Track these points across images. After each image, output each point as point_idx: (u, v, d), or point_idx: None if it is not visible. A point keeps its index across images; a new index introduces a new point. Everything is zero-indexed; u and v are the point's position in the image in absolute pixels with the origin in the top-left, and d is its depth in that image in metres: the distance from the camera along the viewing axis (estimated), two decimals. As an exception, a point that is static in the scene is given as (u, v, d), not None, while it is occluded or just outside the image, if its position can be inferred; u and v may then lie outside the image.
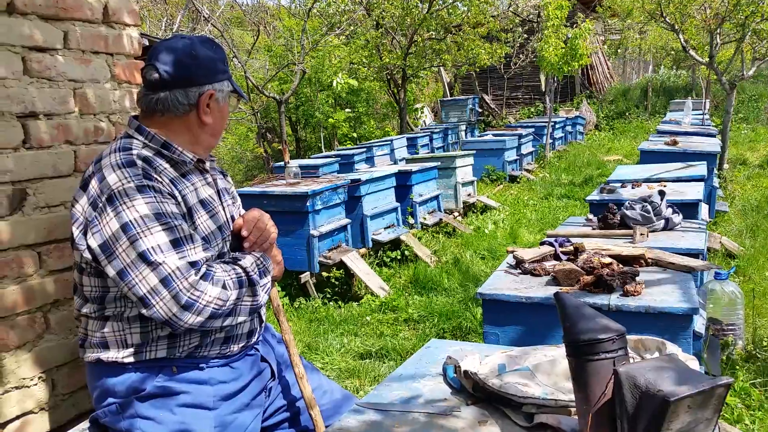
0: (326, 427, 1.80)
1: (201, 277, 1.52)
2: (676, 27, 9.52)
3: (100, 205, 1.53)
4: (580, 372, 1.29)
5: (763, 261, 5.26)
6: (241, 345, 1.73)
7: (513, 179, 10.61)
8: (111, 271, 1.52)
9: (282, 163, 6.76)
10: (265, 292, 1.69)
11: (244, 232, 1.75)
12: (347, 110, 13.08)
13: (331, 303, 5.16)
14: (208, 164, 1.78)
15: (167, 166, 1.65)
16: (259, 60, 13.85)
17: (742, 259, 5.36)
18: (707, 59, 9.42)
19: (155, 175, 1.58)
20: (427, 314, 4.66)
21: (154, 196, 1.54)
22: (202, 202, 1.69)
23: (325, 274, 5.33)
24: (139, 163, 1.57)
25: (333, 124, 12.65)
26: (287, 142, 11.98)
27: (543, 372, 1.58)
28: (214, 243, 1.68)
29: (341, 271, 5.40)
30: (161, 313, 1.49)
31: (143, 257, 1.48)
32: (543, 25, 12.00)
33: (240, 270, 1.63)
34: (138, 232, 1.49)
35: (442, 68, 17.34)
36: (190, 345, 1.63)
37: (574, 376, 1.31)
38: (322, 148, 13.23)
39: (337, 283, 5.38)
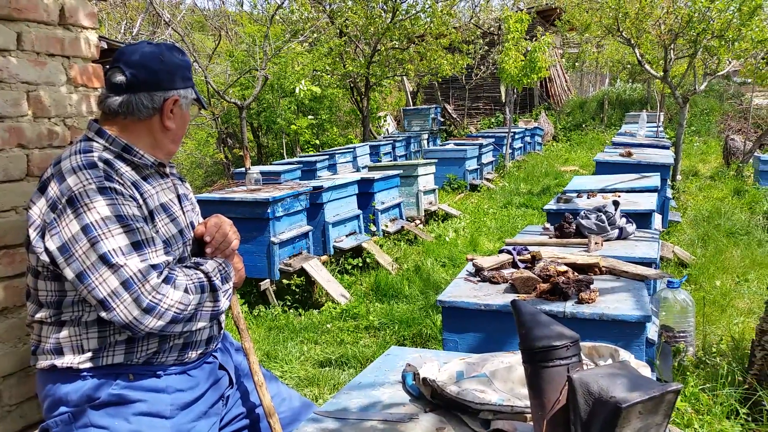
0: (284, 435, 1.79)
1: (163, 281, 1.50)
2: (632, 42, 9.80)
3: (60, 207, 1.50)
4: (535, 378, 1.32)
5: (714, 270, 5.43)
6: (199, 352, 1.71)
7: (474, 188, 10.74)
8: (70, 274, 1.48)
9: (243, 169, 6.70)
10: (227, 298, 1.68)
11: (207, 238, 1.74)
12: (310, 117, 13.03)
13: (291, 311, 5.12)
14: (168, 169, 1.77)
15: (128, 169, 1.63)
16: (220, 65, 13.71)
17: (694, 268, 5.53)
18: (662, 73, 9.72)
19: (116, 177, 1.56)
20: (388, 321, 4.66)
21: (116, 198, 1.52)
22: (163, 206, 1.67)
23: (285, 281, 5.29)
24: (101, 165, 1.55)
25: (295, 130, 12.59)
26: (248, 148, 11.87)
27: (500, 378, 1.61)
28: (175, 247, 1.66)
29: (302, 279, 5.37)
30: (121, 316, 1.46)
31: (104, 259, 1.46)
32: (503, 37, 12.21)
33: (202, 275, 1.61)
34: (99, 234, 1.47)
35: (405, 77, 17.44)
36: (148, 351, 1.60)
37: (530, 382, 1.34)
38: (284, 154, 13.16)
39: (297, 290, 5.34)
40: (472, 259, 2.95)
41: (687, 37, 9.38)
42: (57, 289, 1.58)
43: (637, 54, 9.87)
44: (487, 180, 11.38)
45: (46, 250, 1.51)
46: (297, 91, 10.87)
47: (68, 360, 1.56)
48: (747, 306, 4.60)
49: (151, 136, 1.69)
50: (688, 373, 3.13)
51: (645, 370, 1.57)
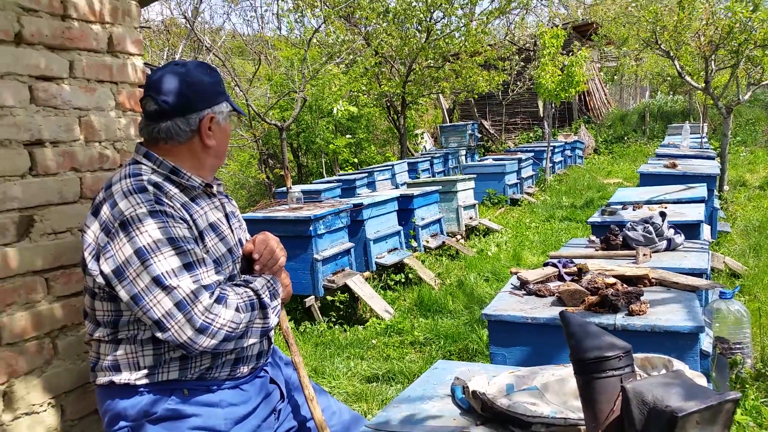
0: (335, 449, 1.79)
1: (215, 301, 1.53)
2: (672, 54, 9.63)
3: (113, 230, 1.54)
4: (587, 389, 1.29)
5: (768, 280, 5.24)
6: (251, 366, 1.73)
7: (514, 202, 10.64)
8: (125, 296, 1.53)
9: (284, 189, 6.81)
10: (276, 315, 1.70)
11: (255, 255, 1.77)
12: (348, 136, 13.16)
13: (336, 326, 5.14)
14: (216, 188, 1.80)
15: (176, 191, 1.67)
16: (260, 88, 13.99)
17: (747, 279, 5.35)
18: (703, 85, 9.51)
19: (166, 200, 1.60)
20: (433, 336, 4.64)
21: (166, 221, 1.56)
22: (212, 226, 1.70)
23: (329, 297, 5.32)
24: (150, 188, 1.59)
25: (334, 150, 12.72)
26: (289, 167, 12.03)
27: (552, 391, 1.58)
28: (225, 266, 1.70)
29: (346, 295, 5.39)
30: (176, 336, 1.50)
31: (157, 281, 1.50)
32: (539, 53, 12.15)
33: (251, 293, 1.64)
34: (151, 257, 1.51)
35: (440, 95, 17.48)
36: (201, 366, 1.64)
37: (582, 393, 1.31)
38: (324, 173, 13.29)
39: (341, 306, 5.37)
40: (516, 273, 2.92)
41: (728, 47, 9.15)
42: (113, 309, 1.62)
43: (677, 66, 9.68)
44: (528, 194, 11.26)
45: (102, 272, 1.55)
46: (335, 111, 11.00)
47: (125, 377, 1.61)
48: (805, 318, 4.42)
49: (194, 157, 1.73)
50: (747, 386, 3.02)
51: (701, 380, 1.52)
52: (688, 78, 9.85)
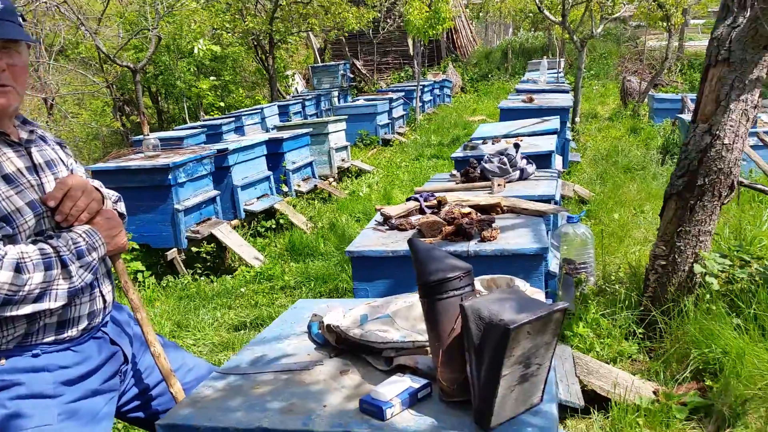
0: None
1: None
2: (531, -12, 9.97)
3: None
4: (431, 311, 1.33)
5: (612, 204, 5.70)
6: (81, 328, 1.58)
7: (386, 143, 10.75)
8: None
9: (141, 137, 6.40)
10: (89, 272, 1.53)
11: (51, 203, 1.54)
12: (212, 78, 12.53)
13: (202, 278, 4.99)
14: (25, 135, 1.61)
15: None
16: (110, 27, 12.89)
17: (594, 204, 5.79)
18: (560, 19, 9.96)
19: None
20: (304, 280, 4.64)
21: None
22: (6, 177, 1.50)
23: (194, 249, 5.14)
24: None
25: (197, 93, 12.08)
26: (146, 114, 11.32)
27: (402, 317, 1.62)
28: (21, 221, 1.49)
29: (212, 245, 5.23)
30: None
31: None
32: (407, -12, 12.12)
33: (49, 250, 1.46)
34: None
35: (310, 34, 17.06)
36: (15, 335, 1.47)
37: (427, 316, 1.35)
38: (187, 119, 12.64)
39: (208, 257, 5.21)
40: (380, 209, 2.96)
41: (583, -19, 9.64)
42: None
43: (537, 1, 10.05)
44: (399, 134, 11.42)
45: None
46: (195, 51, 10.37)
47: None
48: (643, 235, 4.87)
49: None
50: (589, 301, 3.29)
51: (539, 296, 1.62)
52: (546, 12, 10.28)
